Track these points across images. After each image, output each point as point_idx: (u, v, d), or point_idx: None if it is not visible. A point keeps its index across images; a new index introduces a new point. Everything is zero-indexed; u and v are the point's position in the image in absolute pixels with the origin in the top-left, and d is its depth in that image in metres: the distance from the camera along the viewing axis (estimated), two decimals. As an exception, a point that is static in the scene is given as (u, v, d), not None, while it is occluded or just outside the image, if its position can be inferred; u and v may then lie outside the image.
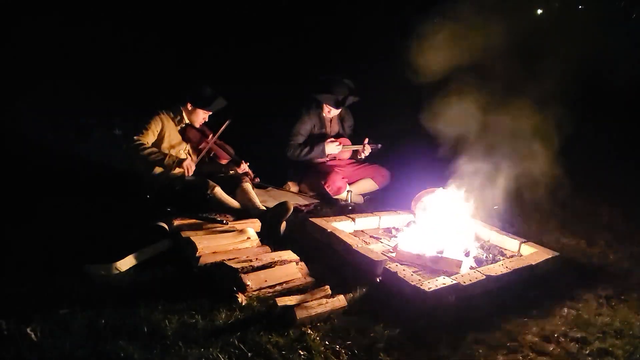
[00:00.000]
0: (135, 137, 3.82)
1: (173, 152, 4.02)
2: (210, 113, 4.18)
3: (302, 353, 2.30)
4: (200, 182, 3.87)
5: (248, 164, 4.33)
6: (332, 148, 4.89)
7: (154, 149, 3.87)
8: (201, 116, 4.14)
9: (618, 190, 5.55)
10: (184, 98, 4.09)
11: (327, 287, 2.82)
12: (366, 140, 4.99)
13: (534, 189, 4.05)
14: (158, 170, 3.97)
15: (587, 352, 2.57)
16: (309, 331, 2.45)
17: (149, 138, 3.90)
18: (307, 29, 9.87)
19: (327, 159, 4.96)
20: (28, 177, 4.30)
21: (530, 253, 3.63)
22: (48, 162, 4.80)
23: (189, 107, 4.10)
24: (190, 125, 4.16)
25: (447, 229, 3.65)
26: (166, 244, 3.22)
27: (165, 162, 3.86)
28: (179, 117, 4.08)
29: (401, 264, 3.19)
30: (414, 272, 3.12)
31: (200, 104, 4.07)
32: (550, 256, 3.56)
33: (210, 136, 4.21)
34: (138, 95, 6.17)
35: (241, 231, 3.38)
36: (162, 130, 3.97)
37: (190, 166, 3.95)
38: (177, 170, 3.97)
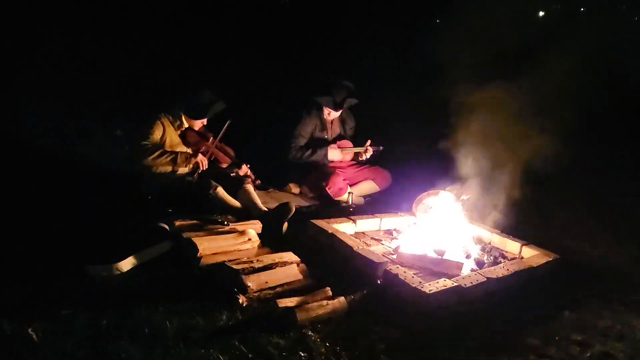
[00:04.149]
0: (142, 143, 3.81)
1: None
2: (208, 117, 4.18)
3: (302, 355, 2.30)
4: (203, 181, 3.87)
5: (249, 165, 4.33)
6: (334, 154, 4.90)
7: (165, 150, 3.88)
8: (199, 121, 4.14)
9: (620, 192, 5.54)
10: (181, 106, 4.07)
11: (328, 288, 2.82)
12: (368, 143, 4.99)
13: (535, 190, 4.06)
14: (160, 170, 3.95)
15: (588, 355, 2.57)
16: (310, 333, 2.45)
17: (154, 142, 3.90)
18: (308, 31, 9.89)
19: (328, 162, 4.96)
20: (29, 178, 4.31)
21: (532, 255, 3.62)
22: (49, 163, 4.80)
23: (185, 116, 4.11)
24: (190, 129, 4.15)
25: (448, 231, 3.64)
26: (167, 244, 3.23)
27: (178, 161, 3.88)
28: (178, 122, 4.08)
29: (402, 266, 3.19)
30: (414, 274, 3.12)
31: (193, 115, 4.06)
32: (551, 258, 3.56)
33: (211, 139, 4.21)
34: (140, 97, 6.19)
35: (242, 232, 3.38)
36: (163, 134, 3.97)
37: (203, 160, 3.98)
38: (181, 170, 3.98)
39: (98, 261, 2.87)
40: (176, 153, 3.90)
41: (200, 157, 3.97)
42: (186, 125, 4.14)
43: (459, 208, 3.83)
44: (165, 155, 3.86)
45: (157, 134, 3.91)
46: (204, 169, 4.00)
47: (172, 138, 4.04)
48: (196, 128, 4.18)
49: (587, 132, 6.20)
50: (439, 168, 4.05)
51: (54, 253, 3.01)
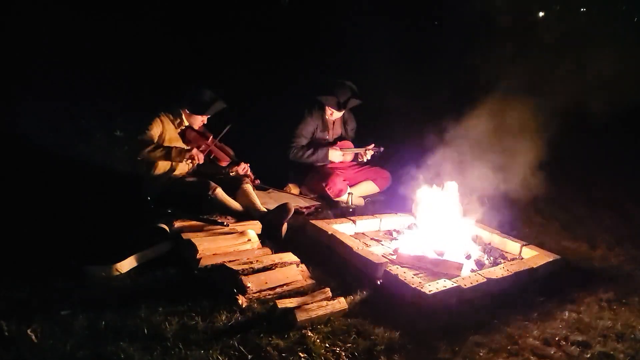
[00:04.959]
0: (138, 138, 3.82)
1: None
2: (209, 116, 4.18)
3: (302, 355, 2.30)
4: (202, 183, 3.87)
5: (249, 164, 4.33)
6: (335, 155, 4.88)
7: (159, 144, 3.88)
8: (199, 119, 4.14)
9: (620, 192, 5.54)
10: (182, 103, 4.08)
11: (328, 289, 2.82)
12: (371, 146, 4.99)
13: (535, 190, 4.06)
14: (159, 171, 3.95)
15: (588, 355, 2.56)
16: (310, 333, 2.45)
17: (151, 138, 3.91)
18: (309, 30, 9.88)
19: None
20: (29, 179, 4.31)
21: (532, 256, 3.62)
22: (49, 163, 4.80)
23: (187, 111, 4.11)
24: (189, 128, 4.16)
25: (448, 232, 3.64)
26: (167, 245, 3.22)
27: (173, 154, 3.86)
28: (178, 120, 4.08)
29: (402, 267, 3.19)
30: (414, 274, 3.12)
31: (196, 110, 4.07)
32: (551, 259, 3.55)
33: (210, 138, 4.21)
34: (139, 97, 6.19)
35: (242, 233, 3.37)
36: (162, 132, 3.97)
37: (198, 154, 3.96)
38: (179, 170, 3.98)
39: (97, 262, 2.87)
40: (170, 147, 3.89)
41: (194, 151, 3.94)
42: (186, 123, 4.14)
43: (467, 208, 3.83)
44: (160, 149, 3.85)
45: (155, 131, 3.91)
46: (200, 162, 3.98)
47: (172, 136, 4.04)
48: (196, 127, 4.19)
49: (588, 131, 6.21)
50: (438, 167, 4.04)
51: (54, 253, 3.01)
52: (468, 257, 3.53)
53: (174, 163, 3.95)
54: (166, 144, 3.99)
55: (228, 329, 2.43)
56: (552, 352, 2.56)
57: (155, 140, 3.92)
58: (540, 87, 4.05)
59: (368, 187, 4.98)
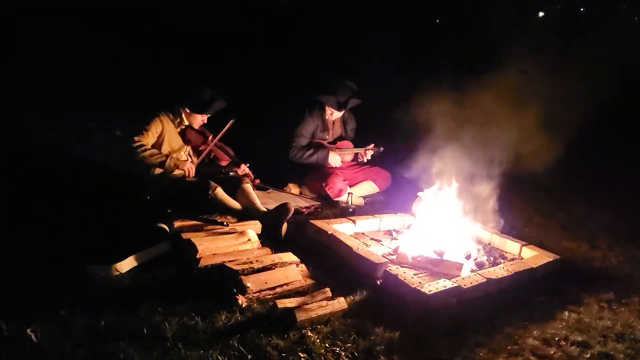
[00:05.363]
0: (135, 138, 3.83)
1: (174, 155, 4.03)
2: (209, 115, 4.19)
3: (302, 355, 2.30)
4: (202, 182, 3.88)
5: (248, 165, 4.34)
6: (334, 159, 4.87)
7: (155, 151, 3.89)
8: (200, 118, 4.15)
9: (620, 193, 5.54)
10: (182, 102, 4.09)
11: (328, 289, 2.82)
12: (371, 146, 4.98)
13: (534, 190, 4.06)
14: (158, 171, 3.98)
15: (588, 355, 2.56)
16: (309, 333, 2.45)
17: (149, 139, 3.91)
18: (309, 30, 9.89)
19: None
20: (29, 178, 4.31)
21: (532, 256, 3.62)
22: (49, 163, 4.80)
23: (187, 110, 4.12)
24: (190, 127, 4.17)
25: (448, 232, 3.64)
26: (166, 245, 3.22)
27: (167, 164, 3.87)
28: (178, 120, 4.09)
29: (402, 267, 3.19)
30: (414, 274, 3.12)
31: (196, 109, 4.08)
32: (551, 259, 3.55)
33: (210, 138, 4.22)
34: (139, 97, 6.19)
35: (242, 233, 3.37)
36: (162, 132, 3.98)
37: (191, 168, 3.97)
38: (177, 171, 3.98)
39: (97, 262, 2.87)
40: (166, 156, 3.91)
41: (188, 165, 3.97)
42: (186, 123, 4.15)
43: (467, 208, 3.82)
44: (156, 155, 3.87)
45: (153, 131, 3.92)
46: (190, 177, 3.98)
47: (171, 136, 4.04)
48: (196, 126, 4.20)
49: (589, 130, 6.20)
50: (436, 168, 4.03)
51: (53, 253, 3.00)
52: (468, 257, 3.53)
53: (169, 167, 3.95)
54: (166, 143, 4.00)
55: (228, 329, 2.43)
56: (552, 352, 2.56)
57: (154, 139, 3.93)
58: (540, 87, 4.04)
59: (368, 187, 4.98)
